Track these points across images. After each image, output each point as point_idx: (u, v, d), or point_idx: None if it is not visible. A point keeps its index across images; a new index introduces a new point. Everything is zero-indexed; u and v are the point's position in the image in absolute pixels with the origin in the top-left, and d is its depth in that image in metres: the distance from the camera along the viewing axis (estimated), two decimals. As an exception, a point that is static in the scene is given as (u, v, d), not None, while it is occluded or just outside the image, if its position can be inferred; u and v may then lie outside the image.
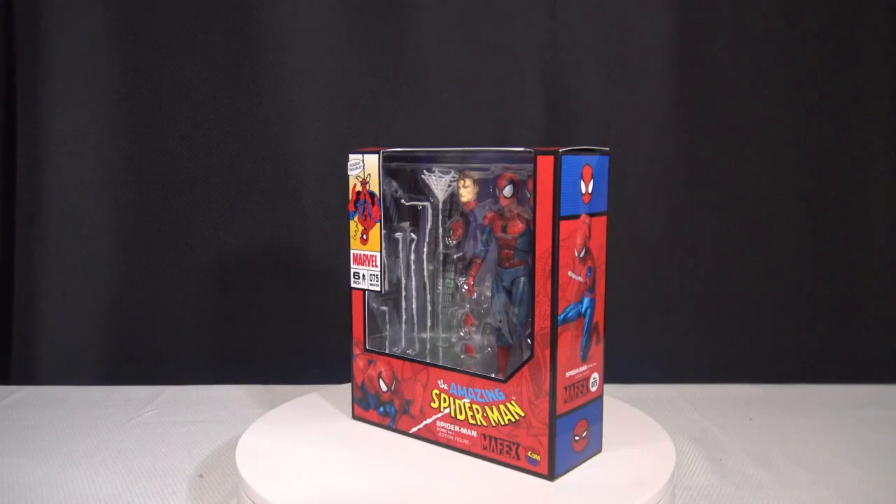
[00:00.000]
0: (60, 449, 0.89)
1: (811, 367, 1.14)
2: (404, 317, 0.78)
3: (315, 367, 1.14)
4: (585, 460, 0.69)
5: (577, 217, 0.64)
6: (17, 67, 1.11)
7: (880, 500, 0.76)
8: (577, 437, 0.67)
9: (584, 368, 0.67)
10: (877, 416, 0.98)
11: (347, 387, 0.92)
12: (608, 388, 1.08)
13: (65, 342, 1.14)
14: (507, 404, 0.67)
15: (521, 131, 1.11)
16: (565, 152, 0.62)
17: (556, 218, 0.62)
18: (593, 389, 0.69)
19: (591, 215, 0.66)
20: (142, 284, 1.14)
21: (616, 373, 1.14)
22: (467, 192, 0.72)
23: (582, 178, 0.64)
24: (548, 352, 0.64)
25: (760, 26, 1.09)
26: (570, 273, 0.64)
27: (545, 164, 0.62)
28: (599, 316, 0.68)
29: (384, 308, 0.79)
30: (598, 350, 0.69)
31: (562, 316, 0.64)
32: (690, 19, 1.09)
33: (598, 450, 0.71)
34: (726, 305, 1.14)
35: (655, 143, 1.11)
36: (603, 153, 0.66)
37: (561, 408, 0.65)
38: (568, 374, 0.65)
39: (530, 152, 0.64)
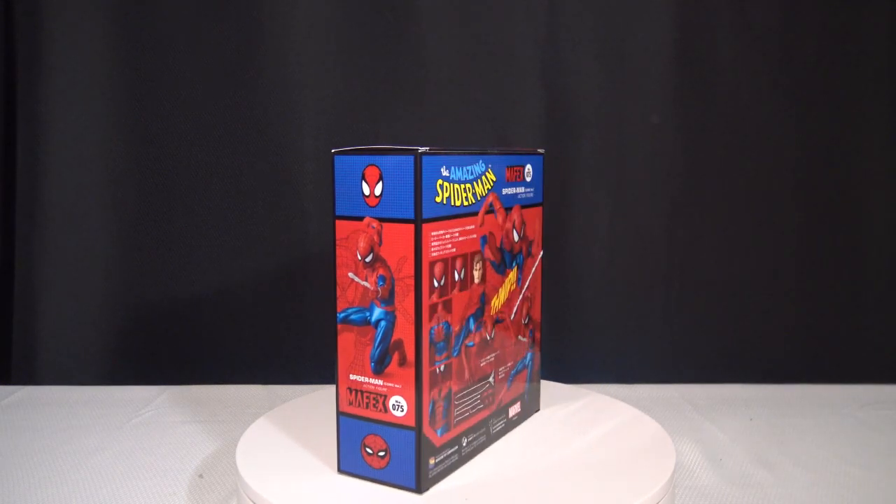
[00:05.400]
0: (60, 449, 0.89)
1: (811, 367, 1.14)
2: None
3: (315, 367, 1.14)
4: (391, 486, 0.65)
5: (358, 219, 0.63)
6: (18, 67, 1.11)
7: (880, 500, 0.76)
8: (368, 450, 0.65)
9: (376, 382, 0.64)
10: (877, 416, 0.98)
11: (347, 387, 0.92)
12: (608, 388, 1.09)
13: (65, 342, 1.14)
14: None
15: (521, 131, 1.11)
16: (339, 152, 0.63)
17: (333, 216, 0.64)
18: (396, 414, 0.64)
19: (384, 220, 0.62)
20: (142, 284, 1.14)
21: (616, 373, 1.15)
22: None
23: (364, 179, 0.62)
24: None
25: (760, 26, 1.09)
26: (350, 274, 0.65)
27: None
28: (405, 335, 0.63)
29: None
30: (403, 373, 0.63)
31: (342, 314, 0.65)
32: (690, 19, 1.09)
33: (412, 488, 0.64)
34: (726, 305, 1.14)
35: (655, 143, 1.11)
36: (405, 153, 0.60)
37: (344, 406, 0.67)
38: (352, 377, 0.66)
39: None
